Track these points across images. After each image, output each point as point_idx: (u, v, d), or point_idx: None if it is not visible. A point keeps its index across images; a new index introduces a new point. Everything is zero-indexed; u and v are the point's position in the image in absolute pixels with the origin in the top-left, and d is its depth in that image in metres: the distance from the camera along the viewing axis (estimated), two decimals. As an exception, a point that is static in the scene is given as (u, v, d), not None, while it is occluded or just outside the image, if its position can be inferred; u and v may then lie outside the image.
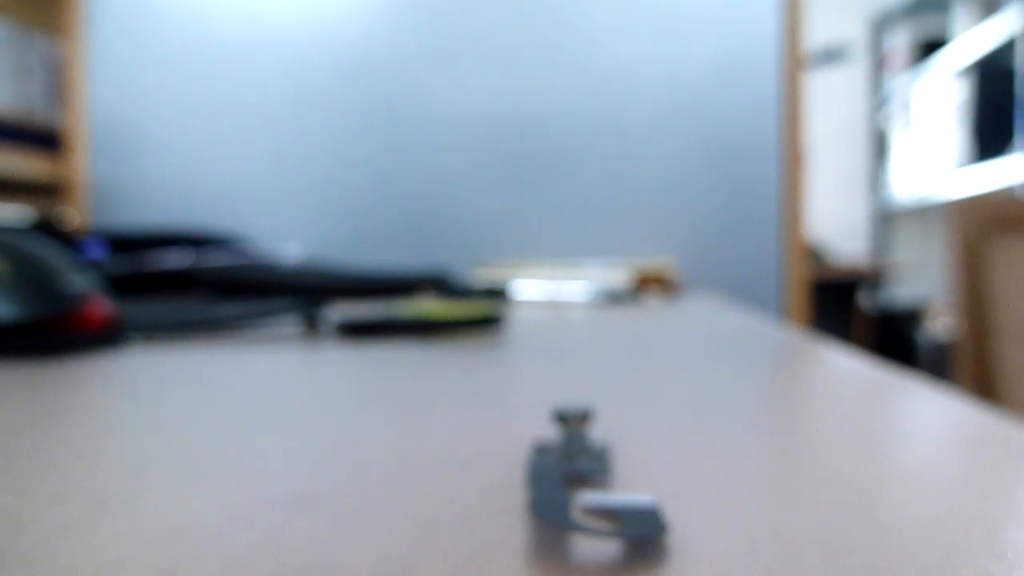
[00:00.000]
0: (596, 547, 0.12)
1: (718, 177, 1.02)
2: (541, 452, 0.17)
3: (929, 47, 2.77)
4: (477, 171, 1.05)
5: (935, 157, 2.52)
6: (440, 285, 0.77)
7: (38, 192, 1.21)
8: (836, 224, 3.00)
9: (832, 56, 2.67)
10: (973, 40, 2.28)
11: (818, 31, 2.98)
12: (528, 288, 0.78)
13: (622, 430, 0.20)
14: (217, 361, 0.34)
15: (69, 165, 1.10)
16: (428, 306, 0.51)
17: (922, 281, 2.97)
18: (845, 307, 2.61)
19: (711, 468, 0.17)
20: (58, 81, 1.13)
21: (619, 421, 0.22)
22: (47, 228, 0.54)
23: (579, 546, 0.12)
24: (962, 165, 2.35)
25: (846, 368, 0.31)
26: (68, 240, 0.53)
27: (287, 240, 1.07)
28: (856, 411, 0.23)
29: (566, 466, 0.16)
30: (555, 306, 0.69)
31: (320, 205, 1.07)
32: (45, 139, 1.10)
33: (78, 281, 0.42)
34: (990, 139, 2.30)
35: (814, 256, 2.56)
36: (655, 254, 1.02)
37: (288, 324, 0.50)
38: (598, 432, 0.20)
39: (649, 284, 0.89)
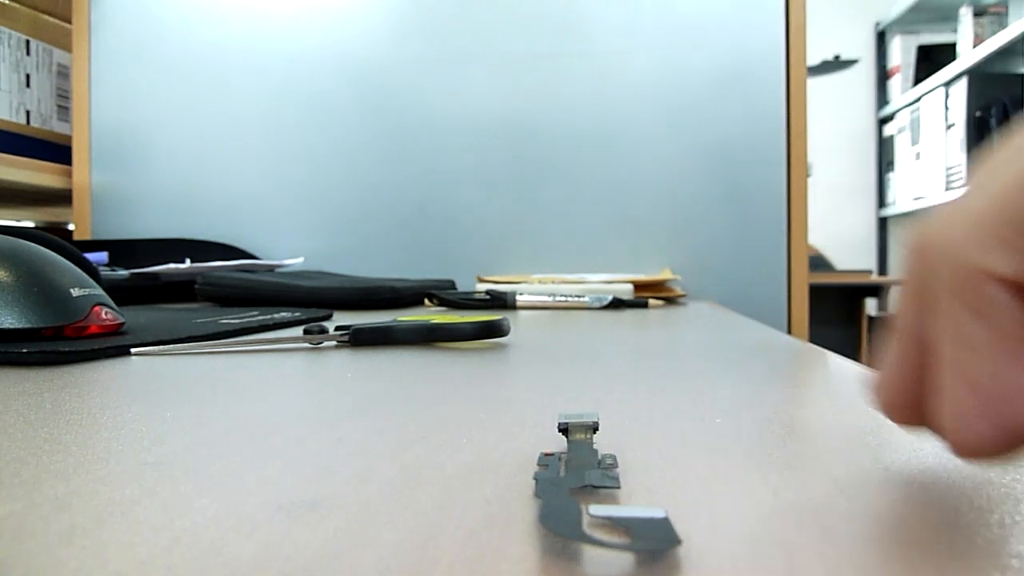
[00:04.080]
0: (606, 559, 0.12)
1: (722, 188, 1.02)
2: (548, 462, 0.17)
3: (933, 56, 2.78)
4: (480, 181, 1.05)
5: (939, 166, 2.52)
6: (444, 294, 0.77)
7: (44, 201, 1.22)
8: (840, 233, 3.00)
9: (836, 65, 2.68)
10: (977, 49, 2.28)
11: (822, 41, 2.98)
12: (532, 297, 0.78)
13: (629, 439, 0.20)
14: (221, 369, 0.34)
15: (72, 173, 1.10)
16: (433, 315, 0.51)
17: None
18: (849, 315, 2.60)
19: (720, 478, 0.17)
20: (64, 91, 1.14)
21: (626, 430, 0.21)
22: (53, 237, 0.54)
23: (589, 558, 0.12)
24: (965, 174, 2.35)
25: (850, 375, 0.31)
26: (73, 249, 0.54)
27: (289, 249, 1.07)
28: (860, 418, 0.22)
29: (574, 477, 0.16)
30: (559, 315, 0.69)
31: (323, 214, 1.07)
32: (51, 149, 1.11)
33: (83, 290, 0.42)
34: (994, 148, 2.29)
35: (818, 265, 2.56)
36: (659, 264, 1.02)
37: (293, 333, 0.50)
38: (605, 441, 0.20)
39: (652, 292, 0.89)
